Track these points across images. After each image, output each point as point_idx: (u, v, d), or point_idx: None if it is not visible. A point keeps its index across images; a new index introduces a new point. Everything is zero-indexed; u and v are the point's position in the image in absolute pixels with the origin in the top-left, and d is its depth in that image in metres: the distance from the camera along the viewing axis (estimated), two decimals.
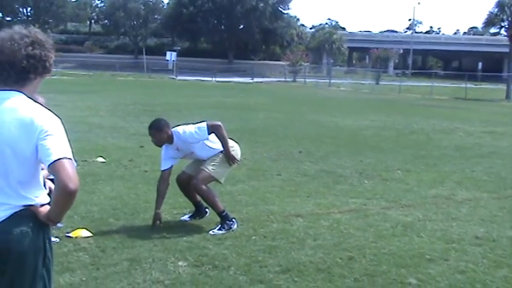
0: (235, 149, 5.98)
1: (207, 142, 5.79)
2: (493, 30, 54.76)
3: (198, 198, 6.03)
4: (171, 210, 6.39)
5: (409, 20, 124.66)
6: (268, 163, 9.86)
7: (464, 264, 5.02)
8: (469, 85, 40.05)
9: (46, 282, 2.51)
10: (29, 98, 2.46)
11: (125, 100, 22.42)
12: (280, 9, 65.08)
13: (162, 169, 5.93)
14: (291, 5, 75.60)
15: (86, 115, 16.15)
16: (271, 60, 65.70)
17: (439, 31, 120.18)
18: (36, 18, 61.03)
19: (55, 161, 2.30)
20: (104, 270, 4.57)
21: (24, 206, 2.42)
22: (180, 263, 4.80)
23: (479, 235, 5.92)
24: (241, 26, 63.41)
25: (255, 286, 4.41)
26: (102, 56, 64.32)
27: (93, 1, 77.00)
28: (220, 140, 5.76)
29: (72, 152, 2.40)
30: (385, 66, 68.14)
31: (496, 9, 40.29)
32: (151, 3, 67.56)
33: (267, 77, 54.20)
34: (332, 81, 46.99)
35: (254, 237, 5.58)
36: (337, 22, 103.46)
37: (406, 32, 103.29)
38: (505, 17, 40.24)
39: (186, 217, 6.18)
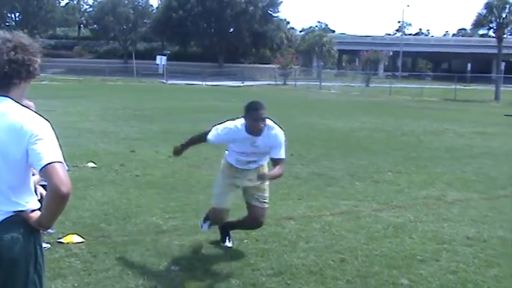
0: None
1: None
2: (481, 31, 55.30)
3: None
4: (163, 215, 6.38)
5: (399, 22, 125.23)
6: None
7: (455, 264, 5.05)
8: (459, 86, 40.29)
9: None
10: (17, 102, 2.45)
11: (115, 105, 22.35)
12: (270, 12, 65.19)
13: (208, 138, 4.99)
14: (280, 8, 75.86)
15: (76, 120, 16.07)
16: (261, 63, 65.76)
17: (428, 33, 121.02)
18: (24, 23, 60.74)
19: (46, 165, 2.30)
20: (96, 276, 4.56)
21: (14, 211, 2.41)
22: (172, 267, 4.79)
23: (470, 235, 5.96)
24: (231, 30, 63.46)
25: None
26: (91, 60, 64.13)
27: (82, 6, 76.88)
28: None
29: (63, 156, 2.39)
30: (375, 68, 68.42)
31: (485, 11, 40.67)
32: (140, 7, 67.48)
33: (257, 80, 54.24)
34: (322, 83, 47.07)
35: (246, 240, 5.58)
36: (326, 25, 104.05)
37: (395, 34, 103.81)
38: (493, 19, 40.63)
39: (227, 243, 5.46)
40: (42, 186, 3.86)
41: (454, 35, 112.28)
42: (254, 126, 4.70)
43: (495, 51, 44.59)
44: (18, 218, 2.41)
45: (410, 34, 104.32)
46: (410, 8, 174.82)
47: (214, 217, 5.29)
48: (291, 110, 22.83)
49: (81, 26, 76.98)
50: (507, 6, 39.92)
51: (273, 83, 53.14)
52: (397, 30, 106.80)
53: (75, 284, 4.39)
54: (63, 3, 73.56)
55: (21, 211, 2.42)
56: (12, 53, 2.40)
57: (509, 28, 41.95)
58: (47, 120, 2.47)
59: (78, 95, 27.41)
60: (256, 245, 5.46)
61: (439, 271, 4.88)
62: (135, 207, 6.71)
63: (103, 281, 4.47)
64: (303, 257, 5.15)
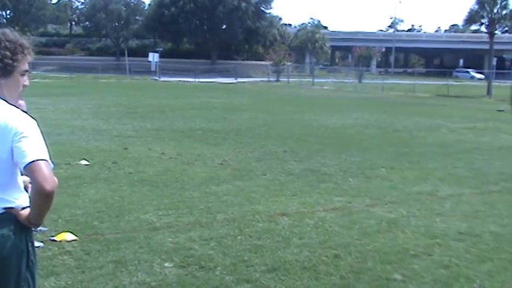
0: None
1: None
2: (473, 27, 55.32)
3: None
4: (156, 212, 6.37)
5: (391, 18, 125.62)
6: (253, 163, 9.87)
7: (448, 259, 5.08)
8: (451, 82, 40.40)
9: (30, 286, 2.49)
10: (4, 100, 2.42)
11: (108, 102, 22.29)
12: (263, 8, 65.19)
13: None
14: (273, 4, 75.79)
15: (68, 118, 16.02)
16: (254, 60, 65.78)
17: (421, 29, 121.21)
18: (15, 21, 60.44)
19: (30, 162, 2.27)
20: (90, 273, 4.55)
21: (4, 208, 2.39)
22: (166, 264, 4.79)
23: (462, 230, 5.99)
24: (224, 26, 63.42)
25: (242, 286, 4.42)
26: (83, 58, 63.91)
27: (73, 3, 76.49)
28: None
29: (49, 153, 2.37)
30: (368, 64, 68.52)
31: (477, 7, 40.79)
32: (132, 4, 67.26)
33: (250, 76, 54.20)
34: (315, 80, 47.13)
35: (240, 237, 5.58)
36: (319, 21, 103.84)
37: (388, 30, 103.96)
38: (485, 14, 40.75)
39: None
40: None
41: (446, 30, 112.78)
42: None
43: (487, 46, 44.75)
44: (9, 216, 2.39)
45: (402, 30, 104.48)
46: (402, 4, 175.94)
47: None
48: (284, 107, 22.86)
49: (73, 23, 76.66)
50: (499, 1, 40.03)
51: (266, 79, 53.15)
52: (389, 27, 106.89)
53: (69, 282, 4.38)
54: (54, 1, 73.34)
55: (11, 208, 2.41)
56: None
57: (501, 24, 42.15)
58: (33, 118, 2.44)
59: (71, 92, 27.32)
60: (250, 241, 5.46)
61: (432, 266, 4.91)
62: (128, 204, 6.70)
63: (96, 278, 4.46)
64: (297, 252, 5.16)
